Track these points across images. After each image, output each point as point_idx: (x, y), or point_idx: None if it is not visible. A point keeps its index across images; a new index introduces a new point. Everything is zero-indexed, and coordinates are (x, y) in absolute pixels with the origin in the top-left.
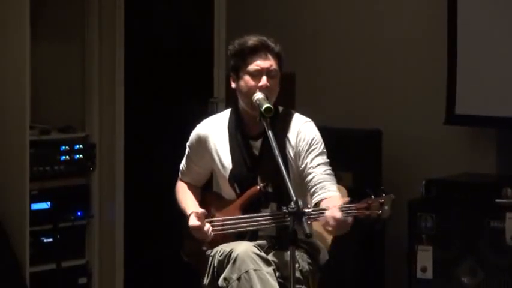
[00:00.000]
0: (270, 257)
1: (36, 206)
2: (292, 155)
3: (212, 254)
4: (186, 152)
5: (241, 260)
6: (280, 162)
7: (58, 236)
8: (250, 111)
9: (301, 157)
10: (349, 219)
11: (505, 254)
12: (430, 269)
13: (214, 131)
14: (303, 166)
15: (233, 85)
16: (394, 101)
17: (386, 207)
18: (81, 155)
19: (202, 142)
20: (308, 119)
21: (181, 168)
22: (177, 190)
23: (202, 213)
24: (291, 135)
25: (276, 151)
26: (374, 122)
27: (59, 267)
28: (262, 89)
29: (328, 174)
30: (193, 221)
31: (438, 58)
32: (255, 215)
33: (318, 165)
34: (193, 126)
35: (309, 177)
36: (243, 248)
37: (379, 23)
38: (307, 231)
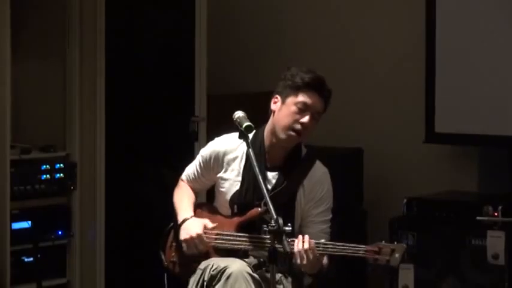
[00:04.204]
0: (257, 276)
1: (16, 226)
2: (302, 198)
3: (202, 267)
4: (197, 161)
5: (234, 278)
6: (261, 181)
7: (39, 256)
8: (274, 137)
9: (308, 206)
10: (322, 258)
11: (486, 272)
12: (412, 287)
13: (232, 149)
14: (305, 215)
15: (273, 107)
16: (375, 120)
17: (397, 255)
18: (62, 174)
19: (216, 158)
20: (326, 170)
21: (187, 173)
22: (177, 190)
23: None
24: (308, 180)
25: (257, 169)
26: (355, 140)
27: (39, 287)
28: (301, 125)
29: (324, 233)
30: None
31: (417, 76)
32: (249, 235)
33: (320, 221)
34: (174, 146)
35: (305, 230)
36: (238, 266)
37: (359, 43)
38: (288, 249)
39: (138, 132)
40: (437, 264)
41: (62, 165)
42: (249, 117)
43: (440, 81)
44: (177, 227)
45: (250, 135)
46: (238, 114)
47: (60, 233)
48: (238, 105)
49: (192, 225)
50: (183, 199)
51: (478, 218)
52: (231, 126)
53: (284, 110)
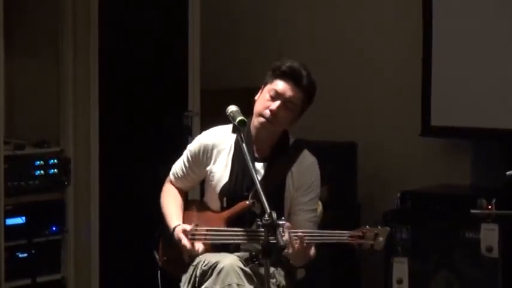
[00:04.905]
0: (248, 270)
1: (11, 221)
2: (291, 186)
3: (194, 263)
4: (185, 157)
5: (225, 273)
6: (255, 175)
7: (33, 251)
8: (255, 124)
9: (297, 193)
10: (310, 248)
11: (480, 265)
12: (406, 280)
13: (220, 142)
14: (294, 202)
15: (256, 96)
16: (369, 114)
17: (380, 239)
18: (56, 170)
19: (205, 151)
20: (314, 159)
21: (174, 171)
22: (164, 193)
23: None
24: (296, 166)
25: (250, 164)
26: (349, 134)
27: (34, 283)
28: (270, 112)
29: (311, 222)
30: (185, 241)
31: (413, 69)
32: (240, 229)
33: (307, 210)
34: (168, 140)
35: (294, 218)
36: (229, 261)
37: (354, 36)
38: (282, 243)
39: (132, 127)
40: (431, 258)
41: (56, 160)
42: (243, 111)
43: (436, 74)
44: (169, 235)
45: None
46: (232, 108)
47: (54, 228)
48: (231, 99)
49: (178, 238)
50: (169, 205)
51: (471, 211)
52: (224, 120)
53: (260, 97)
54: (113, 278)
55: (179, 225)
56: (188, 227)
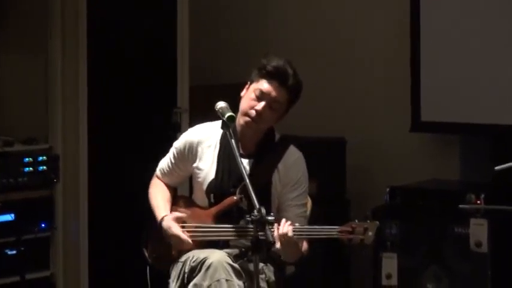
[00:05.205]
0: (237, 266)
1: None
2: (278, 183)
3: (183, 260)
4: (171, 153)
5: (214, 269)
6: (244, 170)
7: (22, 248)
8: (240, 122)
9: (285, 190)
10: (301, 244)
11: (469, 259)
12: (395, 275)
13: (205, 138)
14: (282, 199)
15: (242, 93)
16: (358, 109)
17: (370, 233)
18: (44, 167)
19: (190, 148)
20: (300, 154)
21: (161, 167)
22: (152, 187)
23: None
24: (282, 163)
25: (239, 158)
26: (338, 130)
27: (23, 280)
28: (255, 112)
29: (301, 217)
30: (178, 231)
31: (402, 65)
32: (229, 226)
33: (296, 205)
34: (157, 137)
35: (283, 214)
36: (217, 257)
37: (343, 32)
38: (271, 239)
39: (121, 123)
40: (420, 253)
41: (44, 157)
42: (231, 107)
43: (426, 71)
44: (157, 225)
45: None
46: (221, 104)
47: (43, 225)
48: (220, 96)
49: (168, 226)
50: (157, 197)
51: (460, 206)
52: (213, 117)
53: (246, 96)
54: (102, 275)
55: (167, 215)
56: (180, 214)
